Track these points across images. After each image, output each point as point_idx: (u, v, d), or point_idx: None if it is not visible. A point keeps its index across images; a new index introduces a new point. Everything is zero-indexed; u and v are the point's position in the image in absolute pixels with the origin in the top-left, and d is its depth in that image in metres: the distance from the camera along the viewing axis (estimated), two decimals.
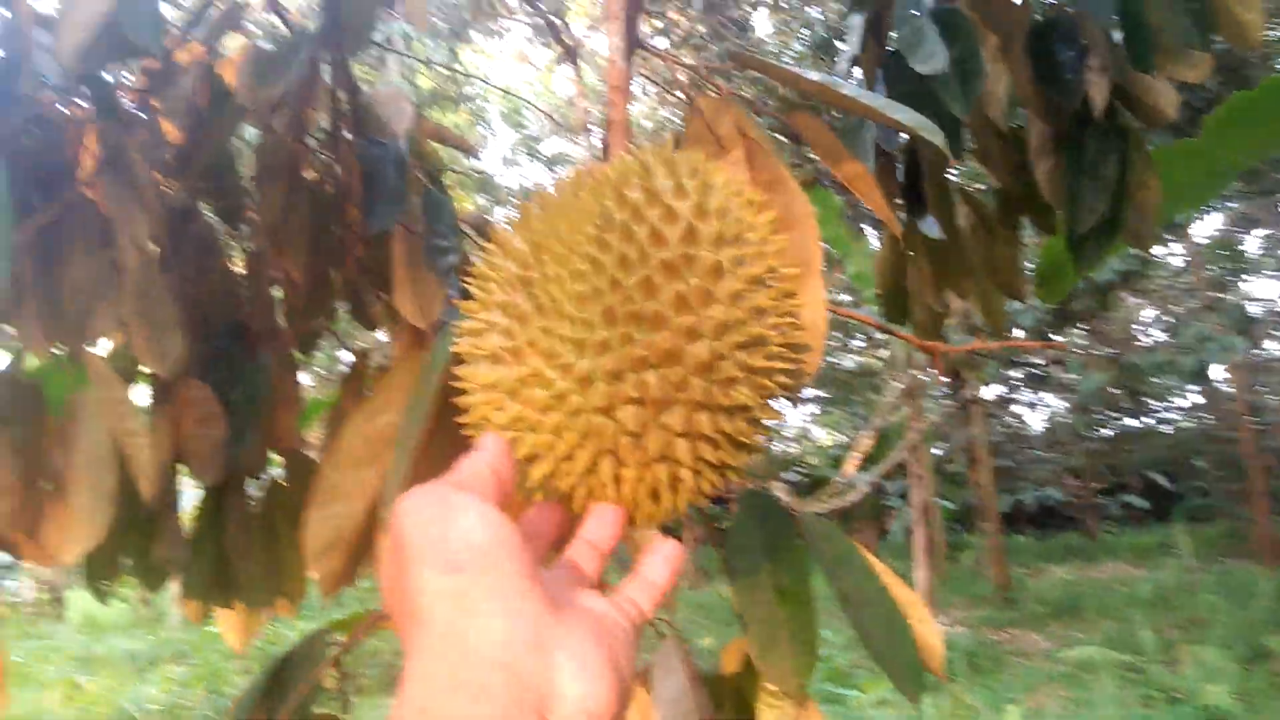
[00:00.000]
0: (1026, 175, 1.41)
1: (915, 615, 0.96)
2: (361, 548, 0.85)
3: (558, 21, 8.63)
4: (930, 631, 0.97)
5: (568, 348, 0.58)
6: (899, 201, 1.50)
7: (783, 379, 0.65)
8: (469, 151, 1.69)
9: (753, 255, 0.62)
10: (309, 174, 1.56)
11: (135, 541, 1.26)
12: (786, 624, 0.92)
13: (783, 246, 0.66)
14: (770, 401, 0.63)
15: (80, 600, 11.09)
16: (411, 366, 0.83)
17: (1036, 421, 16.91)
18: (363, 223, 1.37)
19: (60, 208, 1.14)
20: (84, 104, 1.36)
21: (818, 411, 16.18)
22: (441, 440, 0.73)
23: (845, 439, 15.71)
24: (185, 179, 1.47)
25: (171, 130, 1.46)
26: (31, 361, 1.12)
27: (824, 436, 17.20)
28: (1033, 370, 12.08)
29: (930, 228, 1.42)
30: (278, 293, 1.56)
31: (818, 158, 0.97)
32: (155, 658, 8.85)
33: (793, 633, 0.91)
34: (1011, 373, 12.80)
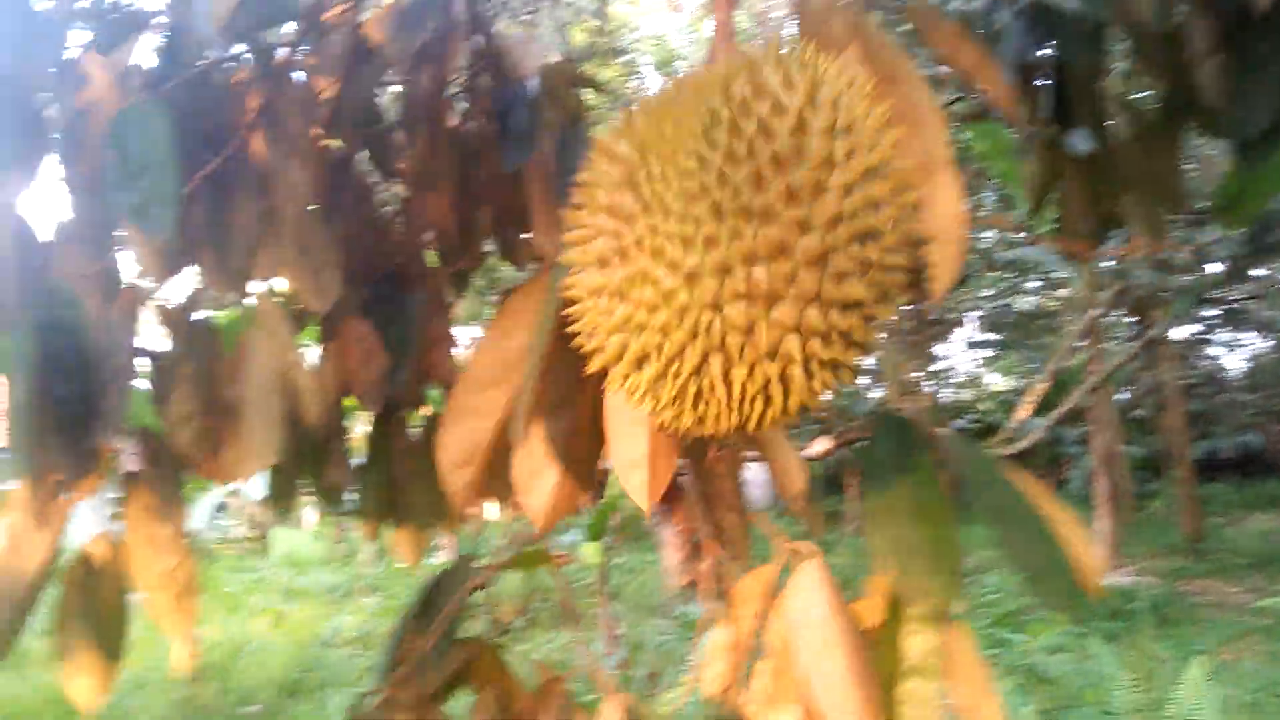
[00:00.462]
0: (1189, 79, 1.30)
1: (1070, 534, 0.90)
2: (494, 464, 0.89)
3: None
4: (1086, 551, 0.92)
5: (674, 244, 0.58)
6: (1046, 116, 1.41)
7: (900, 275, 0.62)
8: (598, 88, 1.72)
9: (866, 146, 0.59)
10: (451, 121, 1.63)
11: (310, 467, 1.38)
12: (925, 543, 0.88)
13: (899, 137, 0.64)
14: (888, 298, 0.61)
15: (284, 538, 12.10)
16: (538, 289, 0.87)
17: (1235, 363, 15.62)
18: (500, 163, 1.43)
19: (224, 161, 1.24)
20: (244, 65, 1.47)
21: (989, 356, 15.52)
22: (564, 355, 0.75)
23: (1019, 384, 15.02)
24: (338, 131, 1.57)
25: (324, 86, 1.56)
26: (208, 302, 1.23)
27: (996, 382, 16.51)
28: (1230, 308, 11.13)
29: (1080, 141, 1.33)
30: (430, 236, 1.65)
31: (940, 53, 0.93)
32: (350, 590, 9.59)
33: (932, 552, 0.87)
34: (1206, 311, 11.83)
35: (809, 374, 0.60)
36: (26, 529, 1.08)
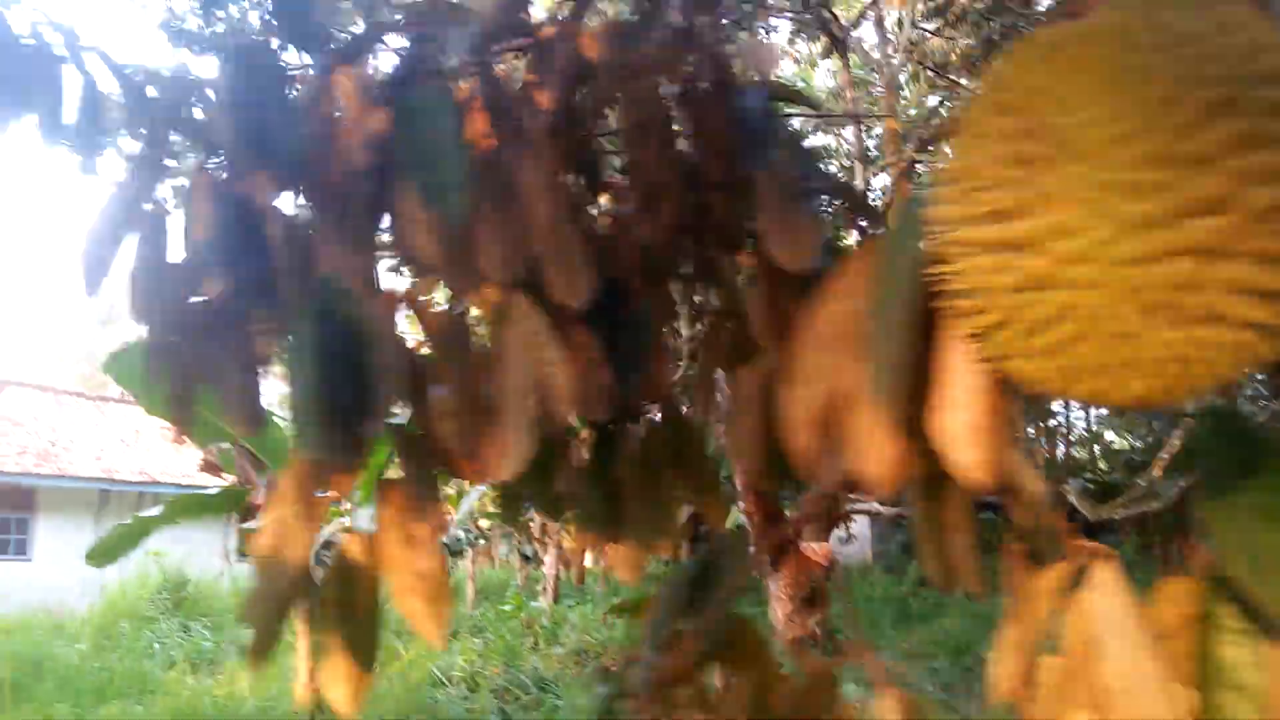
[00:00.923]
0: None
1: None
2: (824, 427, 0.87)
3: (827, 14, 8.53)
4: None
5: (1099, 194, 0.54)
6: None
7: None
8: (801, 105, 1.69)
9: None
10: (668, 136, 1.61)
11: (537, 476, 1.35)
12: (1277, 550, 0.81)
13: None
14: None
15: None
16: (870, 253, 0.84)
17: None
18: (730, 166, 1.40)
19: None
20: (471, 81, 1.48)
21: (1109, 412, 14.91)
22: (929, 320, 0.72)
23: (1141, 443, 14.37)
24: (556, 146, 1.57)
25: (544, 101, 1.56)
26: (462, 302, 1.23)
27: (1116, 439, 15.85)
28: None
29: None
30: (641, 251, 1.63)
31: None
32: (456, 630, 9.63)
33: None
34: None
35: (1241, 343, 0.54)
36: (290, 522, 1.07)
